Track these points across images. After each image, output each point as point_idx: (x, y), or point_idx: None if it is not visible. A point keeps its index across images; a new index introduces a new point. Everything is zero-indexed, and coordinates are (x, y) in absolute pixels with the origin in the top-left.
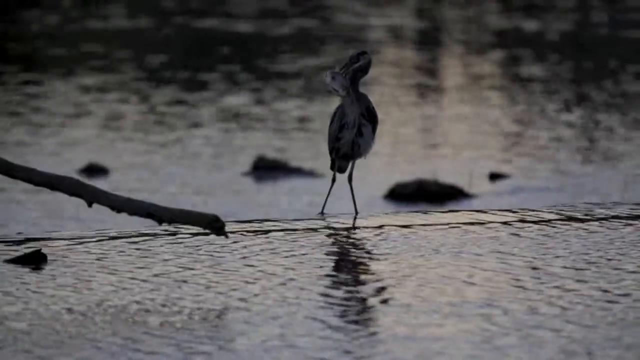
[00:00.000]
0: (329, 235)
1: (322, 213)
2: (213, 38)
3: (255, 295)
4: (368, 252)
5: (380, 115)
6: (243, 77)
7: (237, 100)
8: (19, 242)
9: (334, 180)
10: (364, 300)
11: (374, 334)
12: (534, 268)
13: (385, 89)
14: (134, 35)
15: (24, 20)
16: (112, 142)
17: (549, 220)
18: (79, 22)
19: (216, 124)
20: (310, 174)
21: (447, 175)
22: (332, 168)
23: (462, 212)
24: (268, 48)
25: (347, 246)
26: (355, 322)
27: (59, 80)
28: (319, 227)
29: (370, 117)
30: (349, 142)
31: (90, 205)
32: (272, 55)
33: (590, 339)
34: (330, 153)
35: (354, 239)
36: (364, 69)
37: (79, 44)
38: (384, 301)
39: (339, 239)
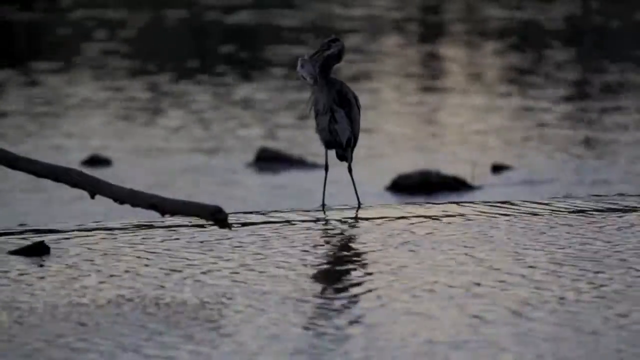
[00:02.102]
0: (328, 227)
1: (323, 205)
2: (205, 29)
3: (248, 285)
4: (366, 244)
5: (382, 106)
6: (244, 67)
7: (240, 91)
8: (22, 234)
9: (326, 169)
10: (356, 295)
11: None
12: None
13: (386, 80)
14: (121, 26)
15: (8, 11)
16: (115, 134)
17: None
18: (60, 13)
19: (219, 115)
20: (313, 165)
21: (450, 166)
22: (327, 157)
23: (465, 204)
24: (263, 38)
25: (346, 238)
26: (347, 321)
27: (53, 72)
28: (319, 218)
29: (341, 101)
30: (325, 129)
31: (93, 196)
32: (269, 45)
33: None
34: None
35: (354, 230)
36: (337, 56)
37: (68, 35)
38: (375, 295)
39: (339, 230)
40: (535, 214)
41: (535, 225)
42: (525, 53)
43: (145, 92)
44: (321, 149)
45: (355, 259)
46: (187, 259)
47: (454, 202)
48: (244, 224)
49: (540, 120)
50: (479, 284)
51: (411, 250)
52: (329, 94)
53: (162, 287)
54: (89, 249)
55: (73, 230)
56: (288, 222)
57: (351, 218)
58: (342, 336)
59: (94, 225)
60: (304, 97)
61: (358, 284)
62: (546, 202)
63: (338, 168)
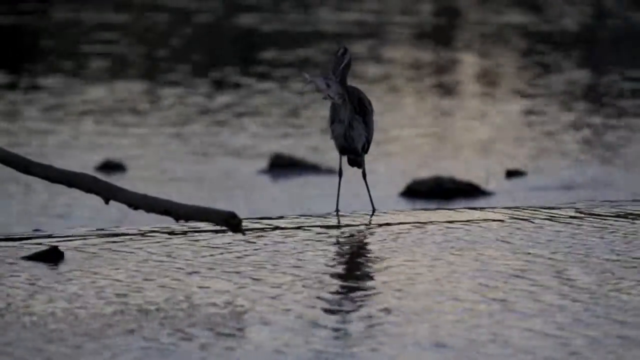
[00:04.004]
0: (342, 233)
1: (336, 210)
2: (211, 32)
3: (261, 292)
4: (381, 250)
5: (395, 112)
6: (252, 71)
7: (249, 96)
8: (36, 239)
9: (340, 174)
10: (369, 300)
11: (373, 335)
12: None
13: (398, 85)
14: (122, 29)
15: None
16: (129, 139)
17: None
18: (54, 17)
19: (231, 121)
20: (327, 171)
21: (464, 172)
22: (341, 162)
23: (480, 209)
24: (267, 43)
25: (360, 243)
26: (362, 326)
27: (62, 76)
28: (333, 224)
29: (360, 109)
30: (341, 135)
31: (107, 202)
32: (275, 49)
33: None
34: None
35: (368, 236)
36: (349, 64)
37: (67, 39)
38: (388, 300)
39: (354, 236)
40: (552, 219)
41: (553, 230)
42: (537, 58)
43: (154, 97)
44: (335, 154)
45: (369, 264)
46: (202, 264)
47: (468, 208)
48: (257, 230)
49: (556, 125)
50: (493, 289)
51: (425, 256)
52: (351, 104)
53: (177, 293)
54: (103, 254)
55: (87, 236)
56: (302, 227)
57: (365, 224)
58: (355, 343)
59: (108, 231)
60: (307, 102)
61: (371, 290)
62: (562, 207)
63: (352, 174)
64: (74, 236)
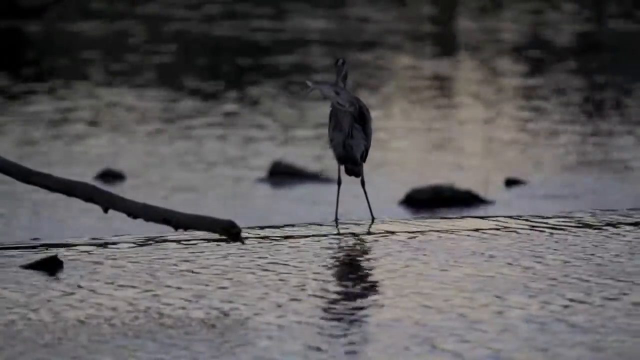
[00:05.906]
0: (341, 242)
1: (335, 219)
2: (204, 42)
3: (262, 300)
4: (380, 259)
5: (394, 121)
6: (252, 79)
7: (251, 104)
8: (35, 248)
9: (339, 183)
10: (368, 310)
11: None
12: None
13: (397, 95)
14: (121, 37)
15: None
16: (128, 148)
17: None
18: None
19: (230, 129)
20: (327, 180)
21: (463, 181)
22: (339, 171)
23: (479, 218)
24: (260, 50)
25: (360, 252)
26: (360, 336)
27: (62, 87)
28: (332, 233)
29: (360, 118)
30: (340, 143)
31: (106, 211)
32: (271, 57)
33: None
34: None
35: (367, 244)
36: (346, 75)
37: (65, 47)
38: (387, 310)
39: (353, 245)
40: (554, 228)
41: (556, 238)
42: (535, 67)
43: (153, 106)
44: (334, 163)
45: (368, 273)
46: (200, 274)
47: (467, 216)
48: (256, 238)
49: (554, 134)
50: (489, 297)
51: (424, 265)
52: (352, 114)
53: (177, 302)
54: (102, 263)
55: (86, 245)
56: (301, 236)
57: (364, 232)
58: (353, 353)
59: (107, 239)
60: (310, 107)
61: (370, 299)
62: (568, 215)
63: (351, 182)
64: (73, 245)
